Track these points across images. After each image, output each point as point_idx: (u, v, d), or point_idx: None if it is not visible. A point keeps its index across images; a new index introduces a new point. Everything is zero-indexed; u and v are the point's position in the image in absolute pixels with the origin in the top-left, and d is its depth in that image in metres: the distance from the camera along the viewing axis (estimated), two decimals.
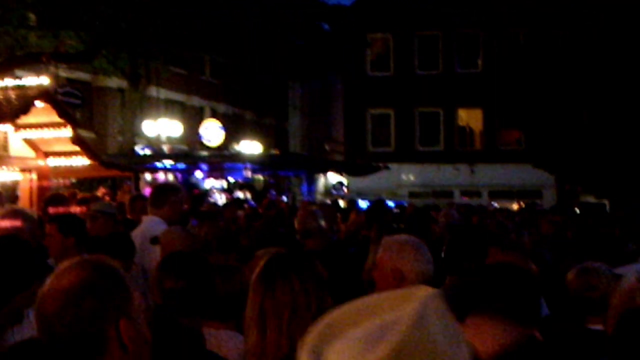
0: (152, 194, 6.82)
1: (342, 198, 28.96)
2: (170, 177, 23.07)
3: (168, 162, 23.60)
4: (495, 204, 27.54)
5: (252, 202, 20.19)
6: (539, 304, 3.09)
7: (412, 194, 35.43)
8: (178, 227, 5.56)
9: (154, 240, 5.30)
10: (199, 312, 3.64)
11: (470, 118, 39.44)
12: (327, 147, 39.68)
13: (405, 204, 21.07)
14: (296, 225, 7.95)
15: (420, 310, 1.19)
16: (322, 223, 6.96)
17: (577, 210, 23.08)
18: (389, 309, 1.23)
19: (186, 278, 3.67)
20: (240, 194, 25.66)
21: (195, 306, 3.60)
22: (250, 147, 30.81)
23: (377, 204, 10.91)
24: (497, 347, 2.39)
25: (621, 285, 3.76)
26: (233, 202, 16.96)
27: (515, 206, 27.82)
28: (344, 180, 36.31)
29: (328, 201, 23.09)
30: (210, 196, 23.97)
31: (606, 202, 29.95)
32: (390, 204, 19.12)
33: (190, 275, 3.70)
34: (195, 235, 5.59)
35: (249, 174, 26.93)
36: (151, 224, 6.16)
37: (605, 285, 4.34)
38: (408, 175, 37.43)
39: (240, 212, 12.87)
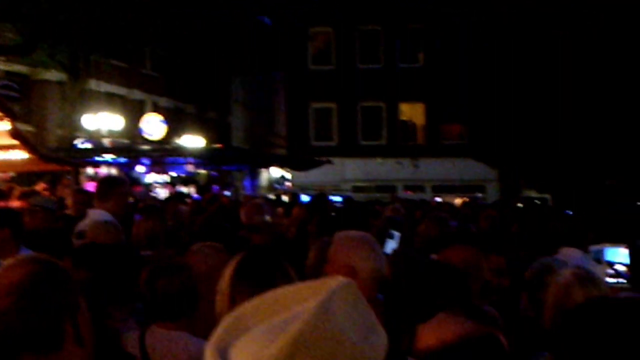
0: (99, 186, 6.72)
1: (285, 193, 28.90)
2: (114, 171, 22.73)
3: (109, 157, 23.28)
4: (439, 199, 27.73)
5: (197, 197, 20.03)
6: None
7: (355, 189, 35.51)
8: (104, 221, 5.49)
9: (80, 235, 5.23)
10: (107, 304, 3.60)
11: (412, 112, 39.64)
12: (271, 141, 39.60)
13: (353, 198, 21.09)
14: (242, 219, 7.89)
15: (325, 301, 1.18)
16: (269, 217, 6.90)
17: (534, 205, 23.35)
18: (297, 301, 1.22)
19: (92, 270, 3.65)
20: (183, 189, 25.46)
21: (102, 298, 3.54)
22: (193, 141, 30.55)
23: (318, 198, 10.85)
24: (445, 341, 2.34)
25: (557, 280, 3.85)
26: (175, 197, 16.80)
27: (458, 200, 28.04)
28: (287, 175, 36.25)
29: (271, 196, 23.02)
30: (152, 191, 23.74)
31: (548, 196, 30.40)
32: (338, 198, 19.14)
33: (96, 267, 3.68)
34: (120, 228, 5.51)
35: (191, 168, 26.72)
36: (96, 217, 6.04)
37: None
38: (351, 170, 37.49)
39: (184, 207, 12.72)
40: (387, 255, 7.58)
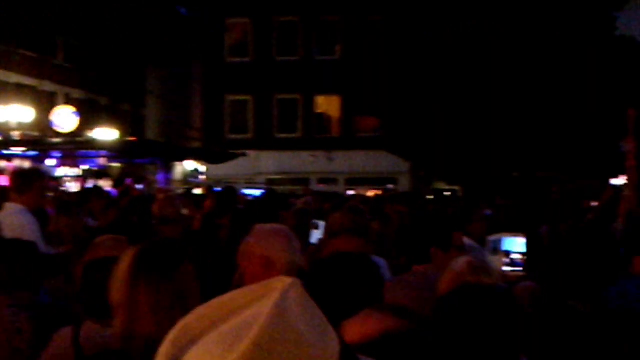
0: (15, 179, 6.52)
1: (199, 186, 28.77)
2: (27, 164, 22.29)
3: (18, 150, 22.84)
4: (352, 191, 27.98)
5: (111, 190, 19.82)
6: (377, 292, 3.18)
7: (270, 181, 35.55)
8: (20, 215, 5.45)
9: None
10: None
11: (328, 105, 39.81)
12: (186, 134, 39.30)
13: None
14: (154, 212, 7.88)
15: (280, 302, 1.16)
16: (181, 210, 6.94)
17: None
18: (247, 305, 1.18)
19: None
20: (99, 183, 25.12)
21: None
22: (106, 134, 30.18)
23: (227, 191, 10.80)
24: (369, 336, 2.48)
25: (451, 268, 3.92)
26: (92, 191, 16.59)
27: (371, 193, 28.37)
28: (202, 168, 36.07)
29: (180, 190, 22.90)
30: (63, 185, 23.36)
31: (458, 188, 31.00)
32: (256, 192, 19.16)
33: None
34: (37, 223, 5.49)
35: (103, 161, 26.38)
36: (12, 211, 6.00)
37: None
38: (266, 162, 37.50)
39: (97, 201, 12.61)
40: (313, 244, 7.71)
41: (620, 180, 24.77)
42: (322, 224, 8.07)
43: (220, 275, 5.16)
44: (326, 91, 38.76)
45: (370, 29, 36.12)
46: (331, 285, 3.14)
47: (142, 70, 36.02)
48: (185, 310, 1.21)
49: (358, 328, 2.40)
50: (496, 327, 2.46)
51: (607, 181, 26.10)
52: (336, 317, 2.62)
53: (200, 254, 6.37)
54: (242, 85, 38.58)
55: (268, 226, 4.23)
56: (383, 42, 33.16)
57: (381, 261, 6.50)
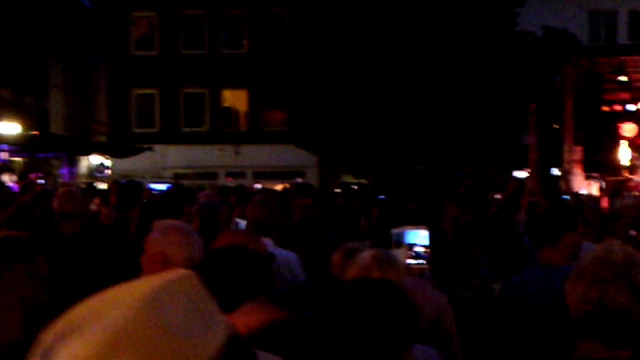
0: None
1: (105, 180, 28.35)
2: None
3: None
4: (259, 185, 27.98)
5: (13, 186, 19.34)
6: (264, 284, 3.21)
7: (177, 176, 35.26)
8: None
9: None
10: None
11: (235, 99, 39.73)
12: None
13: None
14: (55, 207, 7.71)
15: (149, 295, 1.14)
16: (85, 205, 6.81)
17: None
18: (126, 297, 1.16)
19: None
20: (2, 177, 24.46)
21: None
22: (8, 127, 29.38)
23: (130, 186, 10.63)
24: (251, 327, 2.50)
25: (356, 261, 4.03)
26: None
27: (279, 186, 28.38)
28: (107, 162, 35.50)
29: (82, 185, 22.54)
30: None
31: (365, 181, 31.28)
32: (162, 187, 18.98)
33: None
34: None
35: (5, 155, 25.73)
36: None
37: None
38: (173, 157, 37.19)
39: None
40: None
41: (522, 173, 25.48)
42: (242, 222, 8.02)
43: (128, 271, 5.14)
44: (233, 85, 38.65)
45: (276, 22, 36.12)
46: (213, 279, 3.16)
47: (45, 63, 35.18)
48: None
49: (242, 320, 2.42)
50: (380, 318, 2.51)
51: (511, 173, 26.78)
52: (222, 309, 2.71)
53: (109, 249, 6.29)
54: (148, 78, 38.15)
55: (166, 222, 4.27)
56: (289, 36, 33.16)
57: (291, 255, 6.56)
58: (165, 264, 3.89)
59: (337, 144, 28.25)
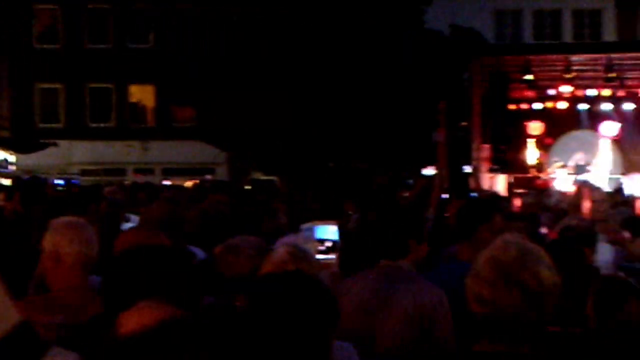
0: None
1: (9, 176, 27.58)
2: None
3: None
4: (168, 182, 27.63)
5: None
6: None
7: (83, 172, 34.60)
8: None
9: None
10: None
11: (142, 94, 39.16)
12: None
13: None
14: None
15: None
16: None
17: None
18: None
19: None
20: None
21: None
22: None
23: (32, 182, 10.36)
24: (145, 325, 2.36)
25: (272, 257, 4.04)
26: None
27: (189, 183, 28.07)
28: (11, 158, 34.59)
29: None
30: None
31: (276, 178, 31.20)
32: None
33: None
34: None
35: None
36: None
37: (246, 259, 4.50)
38: (79, 152, 36.47)
39: None
40: None
41: (430, 170, 25.68)
42: (134, 217, 7.95)
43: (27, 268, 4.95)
44: (140, 80, 38.09)
45: (183, 17, 35.73)
46: (110, 277, 3.14)
47: None
48: None
49: (135, 318, 2.41)
50: (295, 314, 2.47)
51: (420, 171, 27.00)
52: (115, 308, 2.54)
53: (10, 245, 6.09)
54: (52, 73, 37.31)
55: (62, 220, 4.16)
56: (196, 31, 32.84)
57: (199, 251, 6.44)
58: (56, 261, 3.91)
59: (247, 141, 28.05)
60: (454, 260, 5.17)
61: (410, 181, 22.15)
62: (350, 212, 9.47)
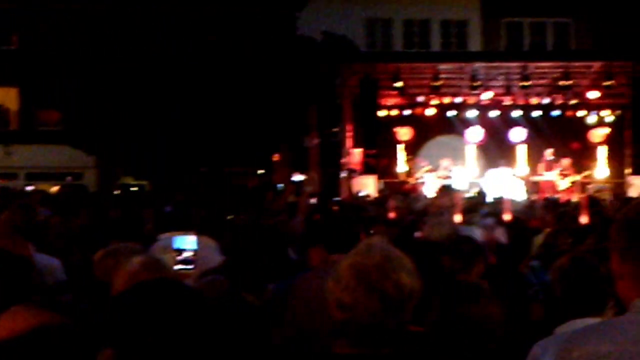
0: None
1: None
2: None
3: None
4: (32, 187, 26.72)
5: None
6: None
7: None
8: None
9: None
10: None
11: (5, 96, 37.82)
12: None
13: None
14: None
15: None
16: None
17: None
18: None
19: None
20: None
21: None
22: None
23: None
24: (16, 331, 2.34)
25: (125, 267, 3.97)
26: None
27: (55, 188, 27.26)
28: None
29: None
30: None
31: (145, 183, 30.66)
32: None
33: None
34: None
35: None
36: None
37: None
38: None
39: None
40: None
41: (300, 176, 25.78)
42: None
43: None
44: (3, 82, 36.73)
45: (48, 18, 34.69)
46: None
47: None
48: None
49: (7, 324, 2.36)
50: (178, 321, 2.43)
51: (291, 176, 27.06)
52: None
53: None
54: None
55: None
56: (61, 32, 31.95)
57: (54, 260, 6.26)
58: None
59: (115, 145, 27.42)
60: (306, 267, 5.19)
61: (281, 186, 22.13)
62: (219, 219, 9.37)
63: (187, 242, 5.74)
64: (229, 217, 10.63)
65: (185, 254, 5.70)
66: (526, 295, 5.92)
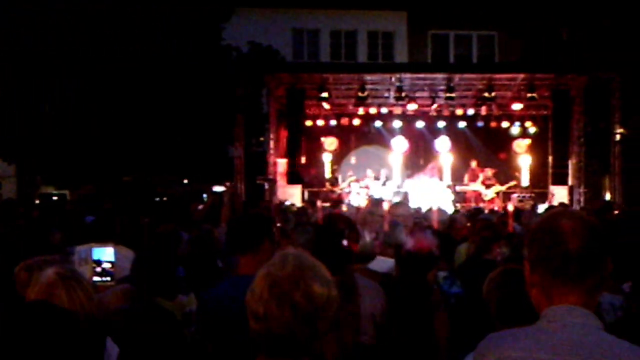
0: None
1: None
2: None
3: None
4: None
5: None
6: None
7: None
8: None
9: None
10: None
11: None
12: None
13: None
14: None
15: None
16: None
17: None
18: None
19: None
20: None
21: None
22: None
23: None
24: None
25: (39, 279, 3.91)
26: None
27: None
28: None
29: None
30: None
31: (67, 192, 30.10)
32: None
33: None
34: None
35: None
36: None
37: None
38: None
39: None
40: None
41: (219, 187, 25.51)
42: None
43: None
44: None
45: None
46: None
47: None
48: None
49: None
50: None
51: (215, 185, 26.85)
52: None
53: None
54: None
55: None
56: None
57: None
58: None
59: (35, 153, 26.81)
60: (235, 274, 5.14)
61: (205, 195, 21.96)
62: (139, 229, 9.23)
63: (106, 254, 5.67)
64: (150, 226, 10.49)
65: (103, 266, 5.63)
66: (432, 304, 5.97)
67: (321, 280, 2.71)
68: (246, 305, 2.73)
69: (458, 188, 25.64)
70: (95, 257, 5.80)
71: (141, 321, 4.79)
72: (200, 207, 14.31)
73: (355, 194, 24.58)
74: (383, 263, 6.85)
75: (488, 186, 25.35)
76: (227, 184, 20.42)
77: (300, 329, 2.63)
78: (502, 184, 25.70)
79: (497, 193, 25.36)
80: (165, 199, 20.51)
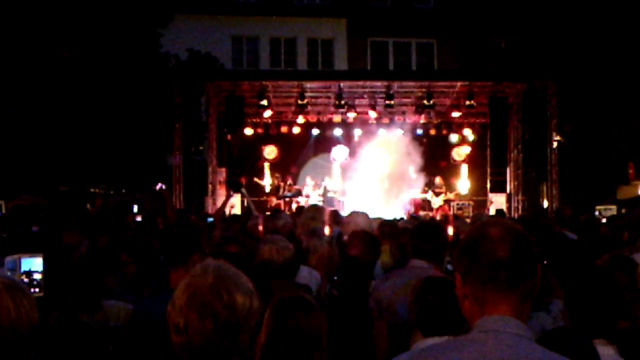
0: None
1: None
2: None
3: None
4: None
5: None
6: None
7: None
8: None
9: None
10: None
11: None
12: None
13: None
14: None
15: None
16: None
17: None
18: None
19: None
20: None
21: None
22: None
23: None
24: None
25: None
26: None
27: None
28: None
29: None
30: None
31: (2, 202, 29.41)
32: None
33: None
34: None
35: None
36: None
37: None
38: None
39: None
40: None
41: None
42: None
43: None
44: None
45: None
46: None
47: None
48: None
49: None
50: None
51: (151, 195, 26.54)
52: None
53: None
54: None
55: None
56: None
57: None
58: None
59: None
60: (167, 287, 5.05)
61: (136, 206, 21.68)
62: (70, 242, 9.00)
63: (35, 264, 5.51)
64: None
65: (33, 277, 5.47)
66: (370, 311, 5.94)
67: (243, 291, 2.67)
68: (167, 318, 2.68)
69: (403, 196, 25.67)
70: (24, 267, 5.64)
71: (60, 338, 4.68)
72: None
73: (296, 202, 24.51)
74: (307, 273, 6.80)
75: (437, 194, 25.47)
76: (163, 187, 20.27)
77: (221, 341, 2.60)
78: (449, 192, 25.84)
79: (445, 201, 25.47)
80: (99, 209, 20.20)
